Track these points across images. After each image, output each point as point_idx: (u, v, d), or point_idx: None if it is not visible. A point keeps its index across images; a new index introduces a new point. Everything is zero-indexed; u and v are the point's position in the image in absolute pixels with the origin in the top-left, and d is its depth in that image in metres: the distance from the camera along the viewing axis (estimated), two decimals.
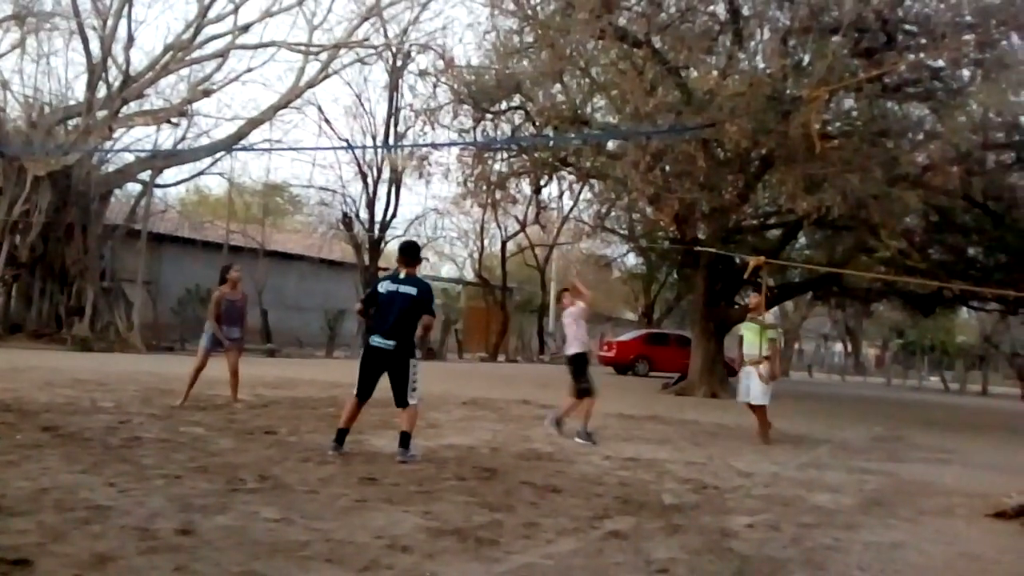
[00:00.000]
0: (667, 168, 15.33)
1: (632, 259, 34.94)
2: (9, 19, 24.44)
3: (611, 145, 17.54)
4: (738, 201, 16.29)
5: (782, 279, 20.96)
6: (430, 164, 22.82)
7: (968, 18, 13.56)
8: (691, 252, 17.87)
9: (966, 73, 14.60)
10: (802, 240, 22.07)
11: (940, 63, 14.14)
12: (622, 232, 24.12)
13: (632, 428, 10.27)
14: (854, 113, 15.15)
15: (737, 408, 13.39)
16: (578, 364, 8.69)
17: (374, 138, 32.01)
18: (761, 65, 14.61)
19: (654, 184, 14.49)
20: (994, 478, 7.84)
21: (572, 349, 8.81)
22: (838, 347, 56.45)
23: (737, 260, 17.39)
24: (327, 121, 42.88)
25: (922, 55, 13.96)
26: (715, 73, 14.61)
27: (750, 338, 9.64)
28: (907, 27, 14.37)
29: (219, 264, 28.38)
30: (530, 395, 13.48)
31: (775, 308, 9.22)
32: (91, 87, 24.88)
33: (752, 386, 9.50)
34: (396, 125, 31.22)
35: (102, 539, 3.80)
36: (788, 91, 13.17)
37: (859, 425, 13.41)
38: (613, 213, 22.14)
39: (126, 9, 24.71)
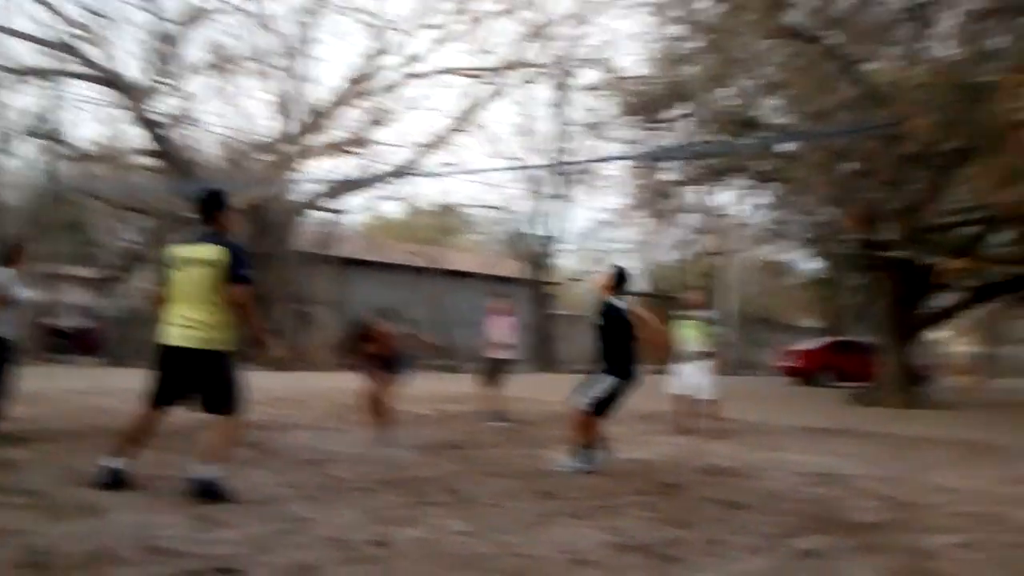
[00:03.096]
0: (848, 167, 14.67)
1: (812, 264, 33.53)
2: (208, 66, 26.64)
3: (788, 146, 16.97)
4: (928, 198, 15.31)
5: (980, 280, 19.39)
6: (597, 178, 22.87)
7: None
8: (878, 255, 16.95)
9: None
10: (1006, 236, 20.32)
11: None
12: (801, 236, 23.16)
13: (820, 442, 9.84)
14: None
15: (935, 418, 12.53)
16: None
17: (542, 155, 32.47)
18: (947, 52, 13.75)
19: (836, 184, 13.90)
20: None
21: None
22: None
23: (928, 261, 16.35)
24: (496, 142, 43.91)
25: None
26: (896, 65, 13.89)
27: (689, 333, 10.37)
28: None
29: (402, 284, 29.88)
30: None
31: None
32: (279, 123, 26.75)
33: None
34: (563, 141, 31.55)
35: (304, 549, 4.03)
36: (978, 78, 12.29)
37: None
38: (791, 217, 21.34)
39: (308, 49, 26.44)
